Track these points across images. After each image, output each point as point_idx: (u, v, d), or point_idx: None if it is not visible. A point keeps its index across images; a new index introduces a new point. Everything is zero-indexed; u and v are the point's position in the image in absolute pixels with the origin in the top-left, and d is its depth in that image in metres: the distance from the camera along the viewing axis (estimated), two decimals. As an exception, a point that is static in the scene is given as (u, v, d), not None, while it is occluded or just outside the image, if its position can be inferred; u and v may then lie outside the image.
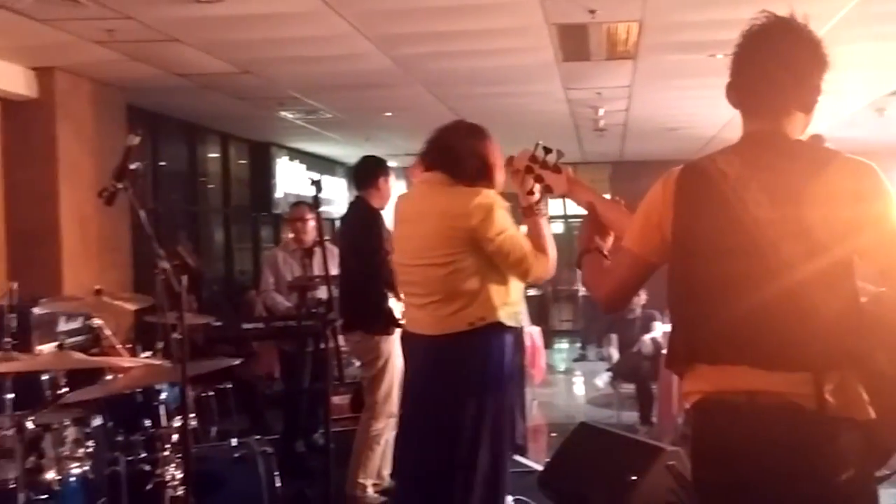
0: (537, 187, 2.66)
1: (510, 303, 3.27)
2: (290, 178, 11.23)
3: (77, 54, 5.74)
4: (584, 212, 2.46)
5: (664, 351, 3.05)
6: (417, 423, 3.37)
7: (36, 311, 4.46)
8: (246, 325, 5.47)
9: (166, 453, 3.40)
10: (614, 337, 8.08)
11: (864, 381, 1.87)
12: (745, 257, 1.89)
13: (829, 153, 1.95)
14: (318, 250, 5.61)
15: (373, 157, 5.28)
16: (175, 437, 3.42)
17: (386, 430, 4.85)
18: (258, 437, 4.07)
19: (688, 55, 6.17)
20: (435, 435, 3.27)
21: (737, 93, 2.02)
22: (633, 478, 3.76)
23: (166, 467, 3.34)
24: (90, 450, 3.23)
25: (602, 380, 8.39)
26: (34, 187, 6.18)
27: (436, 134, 3.37)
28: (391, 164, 5.56)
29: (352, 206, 5.27)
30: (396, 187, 5.32)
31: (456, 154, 3.26)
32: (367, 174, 5.09)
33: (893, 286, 1.92)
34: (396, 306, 4.82)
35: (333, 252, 5.28)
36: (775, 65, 1.94)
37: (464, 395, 3.21)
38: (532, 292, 10.65)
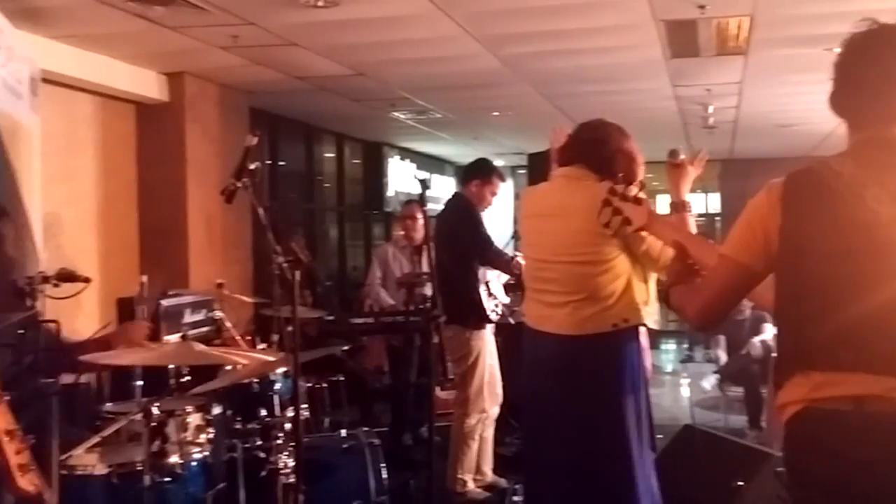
0: (615, 220, 2.50)
1: (651, 303, 3.14)
2: (401, 177, 11.42)
3: (204, 59, 6.00)
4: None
5: (774, 354, 2.98)
6: (551, 424, 3.19)
7: (164, 302, 4.72)
8: (355, 320, 5.60)
9: (279, 442, 3.51)
10: (722, 338, 7.87)
11: None
12: (863, 256, 1.82)
13: None
14: (426, 247, 5.72)
15: (481, 160, 5.35)
16: (288, 426, 3.53)
17: (479, 426, 4.90)
18: (367, 428, 4.17)
19: (801, 49, 5.97)
20: (573, 438, 3.12)
21: (840, 104, 1.96)
22: (740, 483, 3.66)
23: (279, 455, 3.46)
24: (211, 436, 3.32)
25: (709, 382, 8.18)
26: (165, 186, 6.47)
27: (580, 128, 3.26)
28: (498, 162, 5.60)
29: (449, 201, 5.35)
30: (503, 188, 5.34)
31: (608, 150, 3.13)
32: (466, 173, 5.26)
33: None
34: (488, 302, 4.86)
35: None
36: (877, 75, 1.89)
37: (607, 397, 3.09)
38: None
